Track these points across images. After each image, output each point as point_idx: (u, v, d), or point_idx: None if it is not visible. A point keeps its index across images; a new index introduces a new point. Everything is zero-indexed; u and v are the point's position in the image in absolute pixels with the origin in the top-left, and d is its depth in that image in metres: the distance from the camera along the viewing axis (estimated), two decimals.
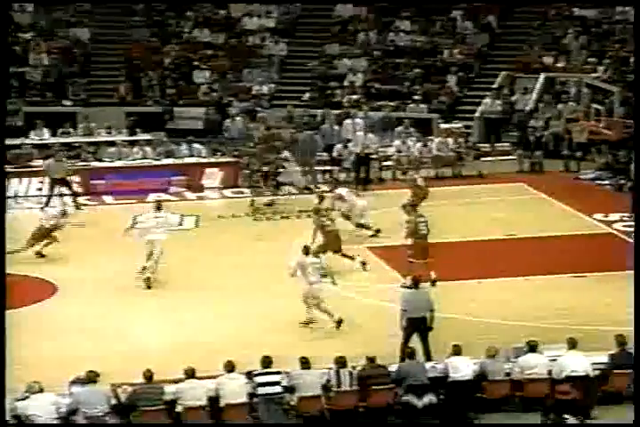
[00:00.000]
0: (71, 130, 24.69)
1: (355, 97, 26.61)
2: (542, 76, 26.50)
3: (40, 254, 18.06)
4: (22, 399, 11.98)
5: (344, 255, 17.20)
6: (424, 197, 19.35)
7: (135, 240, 17.32)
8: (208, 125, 25.96)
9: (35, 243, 18.05)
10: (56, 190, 21.55)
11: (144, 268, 16.72)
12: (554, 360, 13.01)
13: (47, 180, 21.74)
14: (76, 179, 22.49)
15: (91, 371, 12.21)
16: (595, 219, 19.73)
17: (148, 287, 16.55)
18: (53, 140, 23.97)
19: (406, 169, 23.14)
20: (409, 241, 16.70)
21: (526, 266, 17.36)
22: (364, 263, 17.17)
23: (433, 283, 16.20)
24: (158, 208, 17.58)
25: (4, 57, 25.59)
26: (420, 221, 16.80)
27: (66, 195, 21.61)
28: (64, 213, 18.51)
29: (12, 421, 11.81)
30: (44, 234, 18.11)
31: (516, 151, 24.57)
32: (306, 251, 15.31)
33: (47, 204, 21.31)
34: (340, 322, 14.82)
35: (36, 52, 27.67)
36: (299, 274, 15.06)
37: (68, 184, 21.59)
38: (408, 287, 14.61)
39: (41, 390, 12.05)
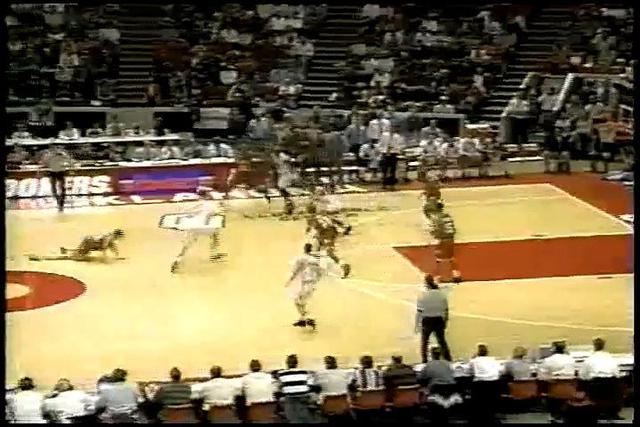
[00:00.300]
0: (100, 130, 24.85)
1: (381, 97, 26.58)
2: (570, 77, 26.38)
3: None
4: (52, 397, 12.07)
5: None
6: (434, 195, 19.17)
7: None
8: (232, 126, 26.02)
9: (82, 255, 17.91)
10: (57, 185, 21.22)
11: (219, 255, 17.14)
12: (581, 361, 12.95)
13: (47, 176, 21.43)
14: (105, 178, 22.65)
15: (118, 369, 12.28)
16: (622, 220, 19.59)
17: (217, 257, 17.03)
18: (82, 140, 24.13)
19: (428, 169, 23.06)
20: (436, 241, 16.68)
21: (553, 267, 17.27)
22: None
23: (456, 282, 16.18)
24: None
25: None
26: (445, 221, 16.79)
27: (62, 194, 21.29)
28: (118, 233, 18.09)
29: (42, 418, 11.90)
30: (92, 247, 17.90)
31: (542, 152, 24.47)
32: (307, 249, 15.34)
33: (62, 204, 21.10)
34: (311, 323, 14.83)
35: (67, 53, 27.87)
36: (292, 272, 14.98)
37: (63, 180, 21.29)
38: (432, 287, 14.56)
39: (70, 388, 12.14)
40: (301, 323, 14.88)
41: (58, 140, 23.87)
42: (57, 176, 21.25)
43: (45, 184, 21.92)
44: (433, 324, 13.69)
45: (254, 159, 21.97)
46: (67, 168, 21.47)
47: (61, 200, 21.28)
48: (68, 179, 21.47)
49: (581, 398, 12.47)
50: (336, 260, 16.70)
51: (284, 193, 20.76)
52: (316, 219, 17.49)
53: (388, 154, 22.93)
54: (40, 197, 22.33)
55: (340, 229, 18.32)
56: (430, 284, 14.32)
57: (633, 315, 13.89)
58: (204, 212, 17.93)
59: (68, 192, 21.57)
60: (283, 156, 21.49)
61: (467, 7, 28.94)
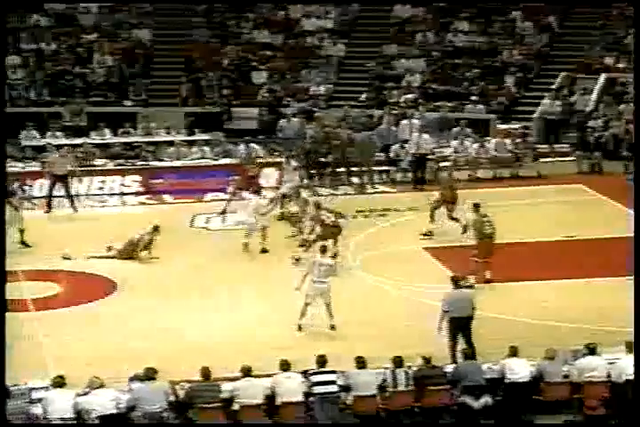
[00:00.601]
0: (131, 130, 24.96)
1: (411, 97, 26.49)
2: (603, 77, 26.16)
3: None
4: (83, 395, 12.13)
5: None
6: (452, 200, 18.97)
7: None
8: (262, 126, 26.03)
9: (127, 254, 17.91)
10: (55, 188, 21.10)
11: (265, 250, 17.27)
12: (612, 363, 12.83)
13: (48, 177, 21.34)
14: (136, 178, 22.73)
15: (149, 368, 12.32)
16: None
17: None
18: (114, 139, 24.25)
19: (451, 170, 22.99)
20: (475, 241, 16.60)
21: (585, 268, 17.15)
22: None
23: (487, 282, 16.09)
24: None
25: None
26: (484, 221, 16.71)
27: (63, 195, 21.22)
28: (156, 229, 18.02)
29: (74, 416, 11.96)
30: (137, 248, 17.88)
31: (575, 152, 24.29)
32: (323, 250, 15.35)
33: (49, 204, 21.02)
34: (300, 328, 14.84)
35: (100, 53, 28.04)
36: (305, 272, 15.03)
37: (67, 183, 21.17)
38: (458, 287, 14.45)
39: (101, 386, 12.20)
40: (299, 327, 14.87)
41: (89, 140, 24.01)
42: (60, 178, 21.19)
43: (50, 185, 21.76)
44: (460, 324, 13.63)
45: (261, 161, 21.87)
46: (70, 170, 21.46)
47: (71, 201, 21.22)
48: (71, 180, 21.41)
49: (595, 407, 12.35)
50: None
51: (284, 198, 20.48)
52: (320, 215, 17.36)
53: (418, 154, 22.86)
54: (72, 196, 22.41)
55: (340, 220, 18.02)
56: (456, 284, 14.25)
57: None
58: (251, 206, 18.07)
59: (73, 193, 21.51)
60: (293, 162, 21.28)
61: (498, 7, 28.79)
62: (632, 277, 16.28)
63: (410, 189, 22.74)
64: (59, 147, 22.26)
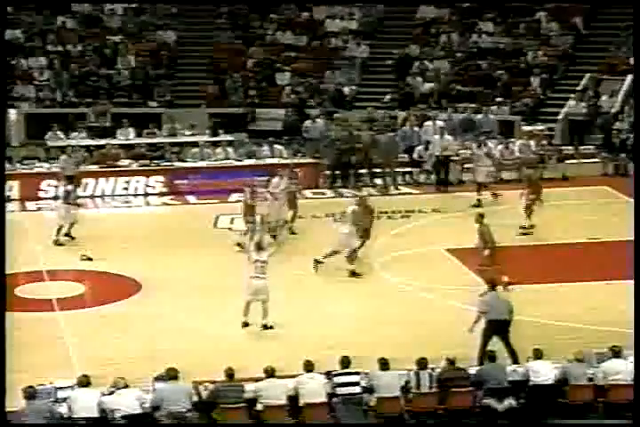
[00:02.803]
0: (156, 131, 25.05)
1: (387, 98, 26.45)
2: (629, 78, 25.99)
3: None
4: (108, 394, 12.20)
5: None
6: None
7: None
8: (287, 126, 26.05)
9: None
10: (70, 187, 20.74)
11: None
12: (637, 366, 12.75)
13: (61, 177, 21.35)
14: (160, 179, 22.82)
15: (170, 368, 12.35)
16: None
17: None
18: (138, 140, 24.36)
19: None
20: (485, 250, 16.45)
21: (609, 270, 17.05)
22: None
23: (508, 285, 16.06)
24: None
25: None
26: (489, 230, 16.57)
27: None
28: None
29: (98, 414, 12.03)
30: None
31: (600, 154, 24.15)
32: (258, 247, 15.36)
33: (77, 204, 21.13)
34: (246, 324, 14.90)
35: (125, 55, 28.16)
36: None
37: (75, 183, 21.09)
38: (495, 290, 14.41)
39: (126, 386, 12.26)
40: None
41: (114, 141, 24.13)
42: (70, 179, 21.21)
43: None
44: (499, 327, 13.59)
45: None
46: (79, 170, 21.56)
47: (75, 201, 21.26)
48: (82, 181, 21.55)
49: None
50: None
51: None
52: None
53: (441, 156, 22.81)
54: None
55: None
56: (493, 287, 14.19)
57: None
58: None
59: (82, 194, 21.61)
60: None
61: (523, 8, 28.68)
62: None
63: (433, 191, 22.70)
64: (72, 147, 22.34)
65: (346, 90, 27.58)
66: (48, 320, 15.48)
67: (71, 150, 22.10)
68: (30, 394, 11.95)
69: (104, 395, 12.15)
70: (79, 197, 20.60)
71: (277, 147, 23.88)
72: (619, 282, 16.54)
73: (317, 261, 17.21)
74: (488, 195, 21.41)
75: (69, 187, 19.87)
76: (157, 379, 12.51)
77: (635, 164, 20.93)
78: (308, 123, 25.20)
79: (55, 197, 21.02)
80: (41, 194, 22.28)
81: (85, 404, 11.99)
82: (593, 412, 12.62)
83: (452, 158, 23.02)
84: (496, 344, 13.58)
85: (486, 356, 13.14)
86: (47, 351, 14.17)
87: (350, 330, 14.92)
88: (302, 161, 23.34)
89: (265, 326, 14.95)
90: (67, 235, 19.08)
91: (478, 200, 21.13)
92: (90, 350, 14.34)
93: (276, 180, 19.46)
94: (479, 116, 25.23)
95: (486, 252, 16.39)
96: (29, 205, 21.79)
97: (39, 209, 21.70)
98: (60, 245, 18.87)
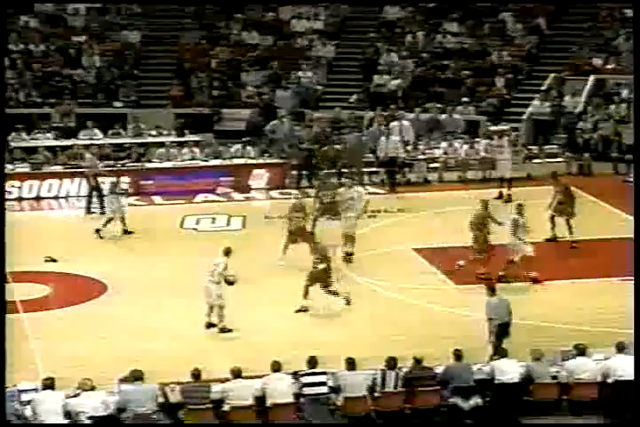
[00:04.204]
0: (121, 131, 24.91)
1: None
2: (592, 78, 26.23)
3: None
4: (73, 396, 12.11)
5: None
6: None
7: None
8: (250, 127, 25.97)
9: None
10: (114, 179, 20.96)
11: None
12: (602, 364, 12.87)
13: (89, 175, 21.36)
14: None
15: (135, 370, 12.31)
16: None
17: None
18: (103, 140, 24.21)
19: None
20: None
21: (573, 269, 17.18)
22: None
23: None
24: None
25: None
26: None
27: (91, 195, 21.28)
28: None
29: (63, 417, 11.95)
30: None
31: (564, 153, 24.35)
32: (226, 252, 15.24)
33: (102, 205, 21.03)
34: (211, 325, 14.90)
35: (89, 55, 27.99)
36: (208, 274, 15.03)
37: (97, 181, 21.16)
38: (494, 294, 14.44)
39: (92, 388, 12.19)
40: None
41: (79, 142, 23.97)
42: (94, 177, 21.27)
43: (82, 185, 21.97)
44: (502, 329, 13.69)
45: None
46: (99, 169, 21.56)
47: (90, 201, 21.22)
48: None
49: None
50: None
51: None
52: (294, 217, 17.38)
53: (386, 158, 22.73)
54: (62, 197, 22.44)
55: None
56: (492, 291, 14.23)
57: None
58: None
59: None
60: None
61: (488, 8, 28.84)
62: (624, 278, 16.35)
63: (399, 190, 22.74)
64: (87, 146, 22.16)
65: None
66: (12, 322, 15.32)
67: (96, 149, 21.93)
68: (4, 395, 11.83)
69: (69, 397, 12.07)
70: (124, 190, 20.91)
71: (243, 147, 23.83)
72: (585, 281, 16.67)
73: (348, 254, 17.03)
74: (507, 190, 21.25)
75: (114, 179, 20.17)
76: (122, 381, 12.46)
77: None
78: (274, 123, 25.15)
79: (56, 197, 21.56)
80: (4, 195, 22.12)
81: (50, 406, 11.91)
82: (557, 410, 12.71)
83: (398, 160, 22.90)
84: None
85: (453, 355, 13.18)
86: (11, 353, 14.02)
87: (318, 330, 14.92)
88: (269, 161, 23.36)
89: (221, 330, 14.88)
90: (125, 231, 19.29)
91: (508, 195, 21.13)
92: (54, 352, 14.26)
93: None
94: (443, 116, 25.35)
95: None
96: None
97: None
98: (101, 237, 19.08)
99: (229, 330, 14.91)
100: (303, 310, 15.51)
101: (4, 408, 11.71)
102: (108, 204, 19.74)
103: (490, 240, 16.78)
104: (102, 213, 20.42)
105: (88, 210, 21.15)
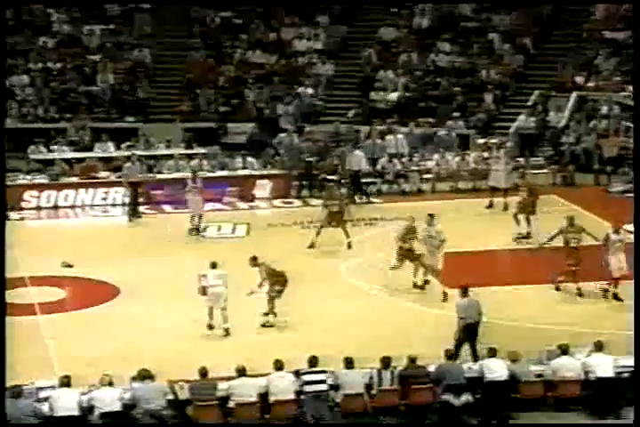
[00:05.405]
0: (136, 143, 24.91)
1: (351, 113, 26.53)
2: (574, 95, 26.30)
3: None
4: (87, 393, 12.11)
5: None
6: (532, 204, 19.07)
7: None
8: (250, 140, 25.94)
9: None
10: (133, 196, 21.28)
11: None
12: (584, 363, 12.88)
13: (125, 186, 21.54)
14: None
15: (143, 369, 12.33)
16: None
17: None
18: (116, 153, 24.23)
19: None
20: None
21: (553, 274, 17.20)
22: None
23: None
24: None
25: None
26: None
27: (135, 202, 21.44)
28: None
29: (78, 413, 11.94)
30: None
31: (549, 165, 24.39)
32: (212, 266, 15.24)
33: (134, 211, 21.19)
34: (211, 327, 14.86)
35: (103, 73, 28.04)
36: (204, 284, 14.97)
37: (136, 189, 21.42)
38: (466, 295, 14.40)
39: (110, 383, 12.19)
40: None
41: (92, 154, 24.00)
42: (133, 185, 21.31)
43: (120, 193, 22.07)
44: (472, 329, 13.66)
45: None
46: (141, 178, 21.64)
47: (134, 208, 21.36)
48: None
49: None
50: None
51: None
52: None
53: (352, 171, 22.53)
54: (78, 206, 22.47)
55: None
56: (464, 292, 14.20)
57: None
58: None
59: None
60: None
61: (478, 29, 28.93)
62: (603, 283, 16.36)
63: (395, 200, 22.78)
64: (128, 157, 22.17)
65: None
66: (30, 324, 15.33)
67: (136, 158, 21.95)
68: (16, 393, 11.85)
69: (84, 394, 12.07)
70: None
71: (249, 159, 23.89)
72: (567, 285, 16.67)
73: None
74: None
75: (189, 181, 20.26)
76: (134, 379, 12.45)
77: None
78: (282, 136, 25.15)
79: (72, 206, 21.73)
80: (23, 204, 22.16)
81: (66, 403, 11.92)
82: (543, 406, 12.70)
83: (361, 173, 22.65)
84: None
85: (445, 355, 13.16)
86: (29, 353, 14.03)
87: (318, 331, 14.91)
88: (272, 172, 23.38)
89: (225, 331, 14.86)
90: (196, 229, 19.61)
91: (501, 203, 21.04)
92: (70, 352, 14.24)
93: None
94: (442, 131, 25.30)
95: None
96: (12, 214, 21.60)
97: (22, 219, 21.57)
98: (202, 235, 19.54)
99: (227, 331, 14.82)
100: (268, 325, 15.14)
101: (4, 408, 11.67)
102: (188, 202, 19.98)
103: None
104: (139, 218, 20.85)
105: (132, 215, 21.19)
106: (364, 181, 23.08)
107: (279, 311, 15.47)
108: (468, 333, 13.65)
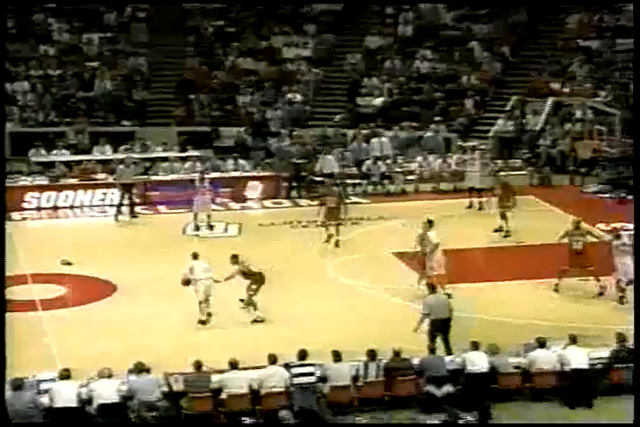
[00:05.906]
0: (133, 146, 24.86)
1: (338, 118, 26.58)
2: (550, 100, 26.41)
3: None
4: (85, 385, 12.09)
5: None
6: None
7: None
8: (238, 144, 25.88)
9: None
10: (126, 197, 21.30)
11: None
12: (560, 355, 12.93)
13: (118, 187, 21.49)
14: (134, 190, 22.67)
15: (139, 362, 12.33)
16: (598, 228, 19.53)
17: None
18: (113, 156, 24.17)
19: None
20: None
21: (535, 271, 17.23)
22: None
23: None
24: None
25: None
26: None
27: (131, 203, 21.40)
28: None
29: (77, 404, 11.92)
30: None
31: (526, 167, 24.48)
32: (194, 257, 15.32)
33: (119, 212, 21.18)
34: (204, 322, 14.86)
35: (101, 79, 27.98)
36: (191, 275, 15.01)
37: (130, 191, 21.39)
38: (434, 292, 14.40)
39: (110, 376, 12.19)
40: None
41: (90, 157, 23.96)
42: (127, 187, 21.24)
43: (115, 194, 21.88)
44: (439, 325, 13.67)
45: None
46: (134, 180, 21.56)
47: (131, 209, 21.33)
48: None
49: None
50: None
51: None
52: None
53: (321, 172, 22.52)
54: (77, 207, 22.43)
55: None
56: (433, 289, 14.24)
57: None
58: None
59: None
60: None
61: (458, 37, 29.01)
62: (582, 279, 16.40)
63: (380, 200, 22.79)
64: (122, 160, 22.03)
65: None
66: (32, 320, 15.29)
67: (130, 161, 21.86)
68: (17, 385, 11.82)
69: (83, 386, 12.05)
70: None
71: (241, 161, 23.89)
72: (544, 281, 16.72)
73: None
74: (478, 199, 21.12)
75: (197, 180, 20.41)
76: (130, 372, 12.44)
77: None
78: (274, 140, 25.10)
79: (71, 206, 21.66)
80: (24, 205, 22.10)
81: (65, 395, 11.90)
82: (520, 396, 12.74)
83: (334, 175, 22.58)
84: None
85: (428, 349, 13.22)
86: (31, 348, 14.00)
87: (307, 327, 14.90)
88: (263, 174, 23.38)
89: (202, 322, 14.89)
90: (209, 226, 19.69)
91: (476, 203, 21.13)
92: (70, 347, 14.20)
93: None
94: (429, 133, 25.29)
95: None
96: (14, 215, 21.54)
97: (24, 219, 21.51)
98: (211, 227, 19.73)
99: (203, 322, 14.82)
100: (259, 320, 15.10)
101: (4, 408, 11.64)
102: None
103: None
104: (135, 217, 20.88)
105: (119, 215, 21.12)
106: (348, 181, 23.11)
107: (269, 308, 15.47)
108: (436, 328, 13.63)
